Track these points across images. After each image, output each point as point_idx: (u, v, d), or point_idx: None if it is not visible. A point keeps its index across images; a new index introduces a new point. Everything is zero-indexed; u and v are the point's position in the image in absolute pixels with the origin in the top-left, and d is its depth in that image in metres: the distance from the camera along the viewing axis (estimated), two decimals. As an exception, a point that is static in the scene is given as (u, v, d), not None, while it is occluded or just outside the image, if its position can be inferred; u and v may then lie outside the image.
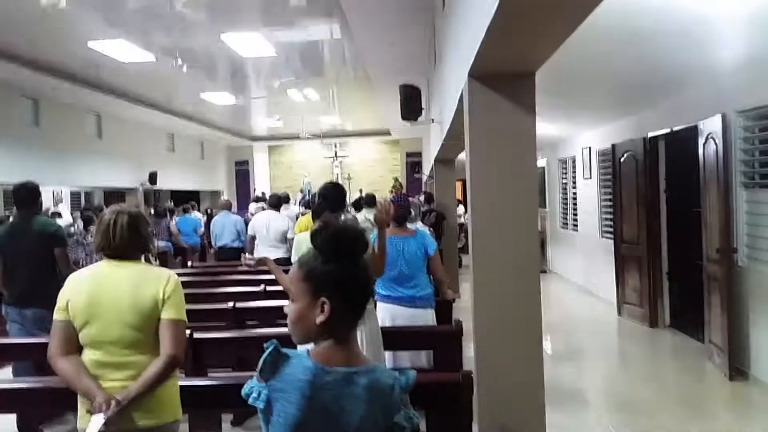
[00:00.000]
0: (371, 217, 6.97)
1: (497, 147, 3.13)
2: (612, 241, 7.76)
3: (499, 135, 3.13)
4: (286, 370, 1.31)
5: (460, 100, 3.64)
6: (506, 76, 3.06)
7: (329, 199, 3.39)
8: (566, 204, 10.77)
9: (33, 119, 11.34)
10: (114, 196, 14.82)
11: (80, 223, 7.21)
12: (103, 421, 2.01)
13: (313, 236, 1.37)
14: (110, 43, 8.75)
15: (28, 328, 4.14)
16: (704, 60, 4.88)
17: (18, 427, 3.77)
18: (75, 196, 14.31)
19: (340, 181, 20.36)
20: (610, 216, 8.01)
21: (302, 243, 3.44)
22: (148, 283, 2.23)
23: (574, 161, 10.01)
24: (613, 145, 7.59)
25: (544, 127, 8.69)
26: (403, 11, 6.78)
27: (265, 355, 1.32)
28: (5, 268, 4.24)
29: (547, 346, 6.44)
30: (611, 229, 7.93)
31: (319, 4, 7.61)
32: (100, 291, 2.19)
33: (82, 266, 2.40)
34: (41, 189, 4.47)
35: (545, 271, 11.40)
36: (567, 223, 10.68)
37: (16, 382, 3.54)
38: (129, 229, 2.27)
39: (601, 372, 5.77)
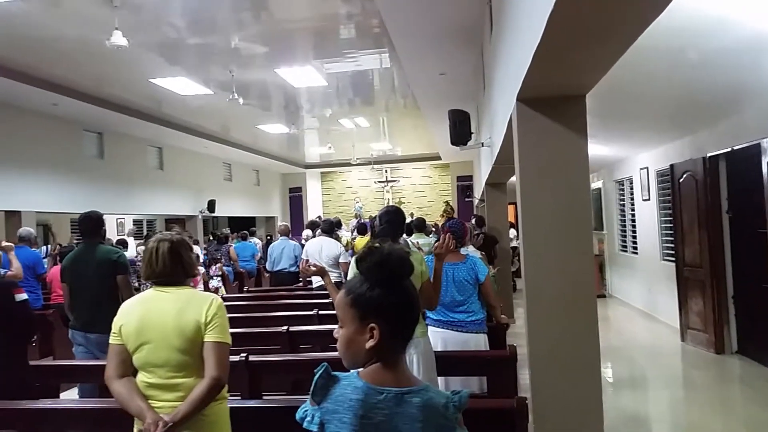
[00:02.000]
0: (421, 241, 7.00)
1: (548, 171, 3.09)
2: (673, 264, 7.49)
3: (549, 159, 3.10)
4: (337, 392, 1.33)
5: (509, 124, 3.63)
6: (555, 99, 3.05)
7: (393, 223, 3.43)
8: (625, 226, 10.48)
9: (98, 152, 11.95)
10: (175, 223, 15.39)
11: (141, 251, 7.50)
12: None
13: (359, 261, 1.40)
14: (170, 80, 9.19)
15: (93, 351, 4.31)
16: (763, 77, 4.71)
17: (85, 447, 3.93)
18: (137, 224, 14.94)
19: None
20: (671, 238, 7.74)
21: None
22: (192, 307, 2.30)
23: (631, 182, 9.76)
24: (672, 166, 7.38)
25: (599, 149, 8.54)
26: (452, 40, 6.85)
27: (316, 378, 1.35)
28: (71, 294, 4.44)
29: (607, 372, 6.23)
30: (672, 252, 7.66)
31: (369, 35, 7.79)
32: (148, 316, 2.29)
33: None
34: (105, 218, 4.69)
35: (604, 296, 11.08)
36: (626, 246, 10.38)
37: (82, 403, 3.69)
38: (171, 256, 2.36)
39: (664, 400, 5.54)
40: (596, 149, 8.43)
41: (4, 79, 8.01)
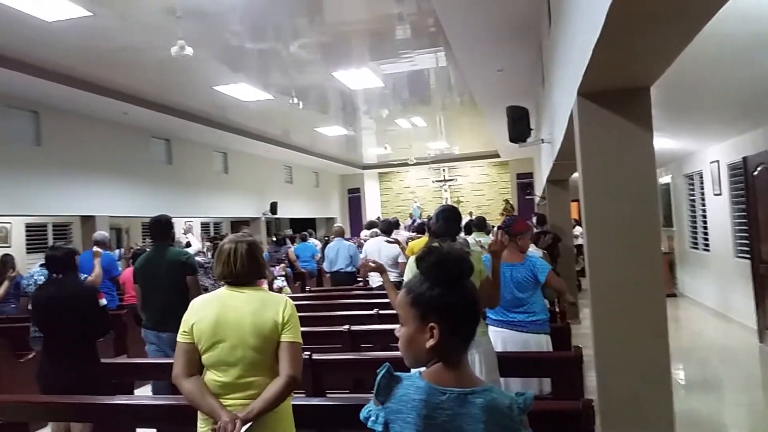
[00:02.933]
0: (482, 240, 6.92)
1: (612, 167, 3.00)
2: (749, 262, 7.12)
3: (613, 154, 3.00)
4: (400, 392, 1.34)
5: (570, 120, 3.55)
6: (618, 92, 2.95)
7: (449, 221, 3.41)
8: (695, 222, 10.03)
9: (166, 158, 12.45)
10: (239, 224, 15.85)
11: (208, 252, 7.74)
12: None
13: (419, 261, 1.40)
14: (233, 86, 9.47)
15: (165, 349, 4.48)
16: None
17: (158, 441, 4.10)
18: (204, 226, 15.48)
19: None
20: (745, 234, 7.36)
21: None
22: (268, 308, 2.33)
23: (701, 176, 9.33)
24: (744, 158, 7.02)
25: (666, 142, 8.21)
26: (509, 35, 6.74)
27: (378, 378, 1.36)
28: (143, 295, 4.64)
29: (679, 374, 5.99)
30: (747, 249, 7.28)
31: (425, 35, 7.78)
32: (224, 315, 2.31)
33: (210, 292, 2.57)
34: (174, 221, 4.87)
35: (675, 295, 10.65)
36: (697, 243, 9.93)
37: (155, 399, 3.85)
38: (248, 257, 2.40)
39: (741, 403, 5.27)
40: (663, 143, 8.11)
41: (78, 90, 8.46)
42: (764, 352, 6.58)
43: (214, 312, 2.33)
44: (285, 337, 2.31)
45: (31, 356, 5.05)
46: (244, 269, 2.39)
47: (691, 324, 8.67)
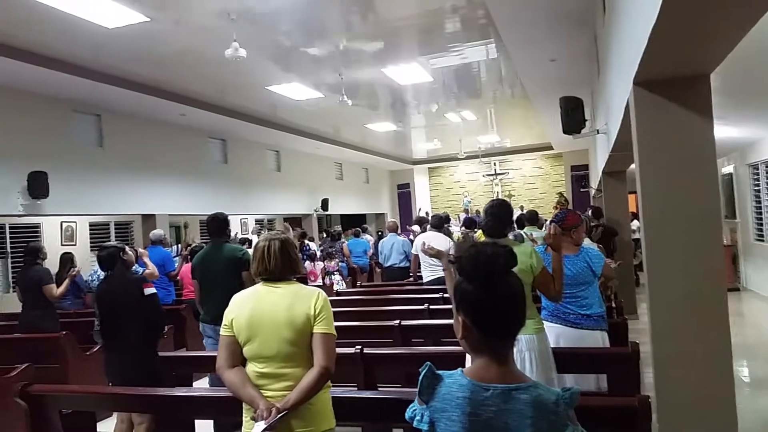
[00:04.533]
0: (534, 234, 6.82)
1: (670, 157, 2.92)
2: (820, 254, 6.75)
3: (671, 144, 2.92)
4: (443, 390, 1.36)
5: (627, 110, 3.46)
6: (676, 80, 2.86)
7: (498, 217, 3.37)
8: (761, 214, 9.57)
9: (222, 157, 12.78)
10: (292, 221, 16.14)
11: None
12: (264, 426, 2.20)
13: (457, 259, 1.44)
14: (285, 86, 9.63)
15: (221, 343, 4.61)
16: None
17: (215, 431, 4.23)
18: (259, 223, 15.85)
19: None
20: (817, 225, 6.98)
21: None
22: (301, 301, 2.42)
23: (766, 165, 8.90)
24: (816, 145, 6.65)
25: (728, 130, 7.87)
26: (562, 24, 6.60)
27: (421, 377, 1.38)
28: (201, 290, 4.79)
29: (743, 371, 5.75)
30: (819, 241, 6.91)
31: (474, 27, 7.69)
32: (260, 310, 2.42)
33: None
34: (230, 218, 5.01)
35: (738, 289, 10.21)
36: (763, 235, 9.49)
37: (212, 391, 3.97)
38: (281, 254, 2.50)
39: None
40: (725, 131, 7.77)
41: (137, 93, 8.79)
42: (837, 350, 6.24)
43: (251, 307, 2.44)
44: (317, 329, 2.38)
45: (96, 349, 5.29)
46: (277, 265, 2.48)
47: (755, 319, 8.29)
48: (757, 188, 9.63)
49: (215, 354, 4.39)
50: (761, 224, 9.53)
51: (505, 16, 6.30)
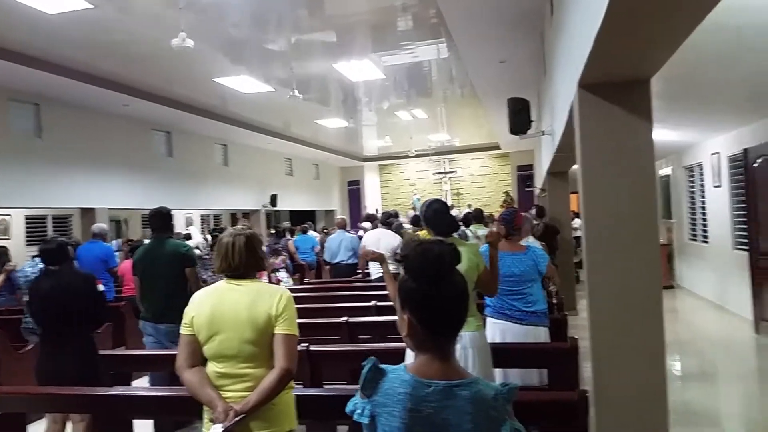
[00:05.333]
0: (480, 231, 6.94)
1: (611, 158, 3.00)
2: (747, 254, 7.12)
3: (612, 146, 3.01)
4: (386, 385, 1.36)
5: (571, 112, 3.54)
6: (618, 84, 2.95)
7: (440, 212, 3.39)
8: (695, 214, 10.03)
9: (167, 150, 12.44)
10: (243, 217, 15.89)
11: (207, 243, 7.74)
12: (221, 429, 2.14)
13: (404, 257, 1.45)
14: (234, 78, 9.45)
15: (162, 341, 4.49)
16: None
17: (155, 431, 4.13)
18: (204, 218, 15.51)
19: (449, 198, 20.33)
20: (744, 226, 7.36)
21: None
22: (263, 300, 2.34)
23: (701, 168, 9.33)
24: (745, 150, 7.00)
25: (666, 134, 8.19)
26: (511, 26, 6.71)
27: (364, 371, 1.38)
28: (142, 286, 4.65)
29: (676, 365, 6.01)
30: (745, 241, 7.29)
31: (427, 26, 7.75)
32: (221, 308, 2.34)
33: (209, 284, 2.58)
34: (174, 213, 4.87)
35: (673, 287, 10.66)
36: (696, 235, 9.94)
37: (152, 391, 3.87)
38: (246, 250, 2.41)
39: (736, 394, 5.30)
40: (663, 134, 8.09)
41: (78, 82, 8.45)
42: (760, 344, 6.59)
43: (212, 305, 2.36)
44: (279, 329, 2.31)
45: (29, 348, 5.07)
46: (242, 262, 2.40)
47: (688, 315, 8.68)
48: (692, 190, 10.08)
49: (155, 352, 4.33)
50: (695, 224, 9.98)
51: (456, 16, 6.36)
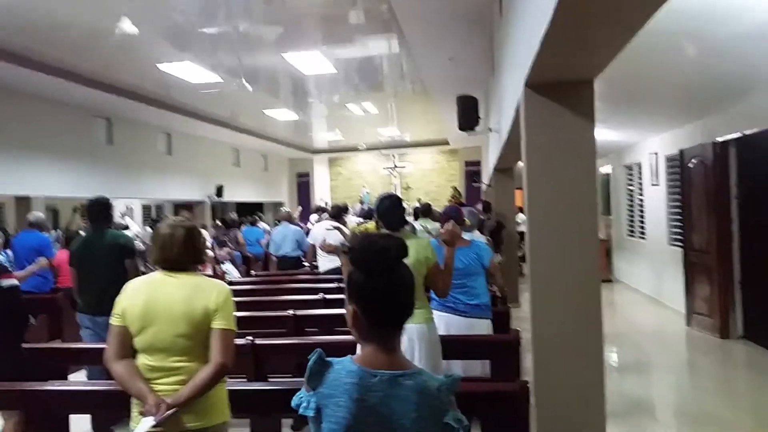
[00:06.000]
0: (428, 225, 7.00)
1: (555, 157, 3.10)
2: (681, 250, 7.47)
3: (556, 144, 3.10)
4: (332, 376, 1.37)
5: (517, 110, 3.62)
6: (563, 84, 3.04)
7: (393, 209, 3.40)
8: (633, 211, 10.44)
9: (107, 138, 11.99)
10: (183, 207, 15.47)
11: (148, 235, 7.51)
12: (153, 423, 2.12)
13: (350, 249, 1.47)
14: (178, 65, 9.18)
15: (100, 333, 4.35)
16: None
17: (92, 427, 4.00)
18: (146, 209, 15.05)
19: (398, 192, 20.44)
20: (679, 223, 7.72)
21: None
22: (200, 294, 2.31)
23: (640, 167, 9.71)
24: (681, 151, 7.33)
25: (608, 134, 8.48)
26: (461, 24, 6.79)
27: (310, 364, 1.39)
28: (79, 278, 4.49)
29: (613, 357, 6.25)
30: (680, 237, 7.64)
31: (378, 21, 7.73)
32: (155, 300, 2.29)
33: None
34: (114, 203, 4.72)
35: (611, 281, 11.07)
36: (633, 231, 10.35)
37: (90, 385, 3.74)
38: (185, 243, 2.36)
39: (669, 384, 5.56)
40: (605, 134, 8.37)
41: (15, 66, 8.03)
42: (691, 336, 6.94)
43: (146, 296, 2.31)
44: (216, 324, 2.29)
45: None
46: (180, 255, 2.36)
47: (625, 309, 9.04)
48: (630, 188, 10.48)
49: (93, 346, 4.19)
50: (633, 221, 10.39)
51: (407, 11, 6.38)
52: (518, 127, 3.52)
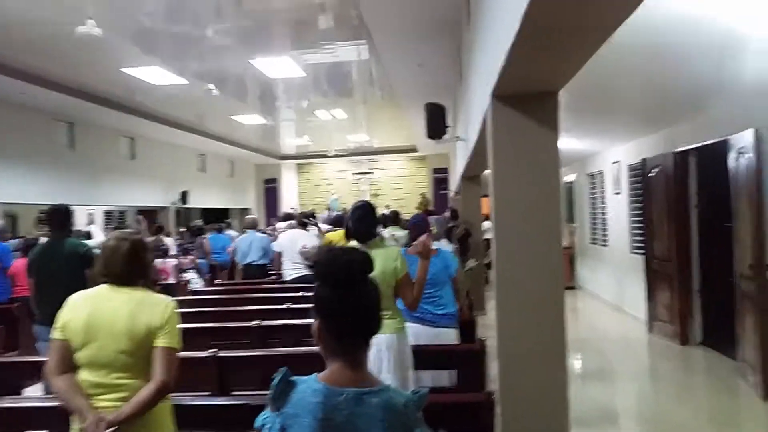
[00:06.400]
0: (396, 233, 7.00)
1: (520, 166, 3.14)
2: (642, 257, 7.63)
3: (521, 154, 3.14)
4: (297, 396, 1.34)
5: (484, 120, 3.65)
6: (529, 96, 3.08)
7: (365, 218, 3.39)
8: (596, 219, 10.62)
9: (69, 142, 11.69)
10: (146, 214, 15.15)
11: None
12: None
13: (315, 264, 1.45)
14: (143, 69, 9.01)
15: (59, 346, 4.21)
16: (735, 75, 4.80)
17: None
18: (108, 215, 14.69)
19: (367, 198, 20.42)
20: (641, 231, 7.88)
21: None
22: (145, 310, 2.27)
23: (603, 176, 9.89)
24: (643, 160, 7.49)
25: (572, 142, 8.62)
26: (430, 31, 6.83)
27: (274, 384, 1.36)
28: (37, 288, 4.35)
29: (576, 364, 6.33)
30: (641, 245, 7.80)
31: (348, 26, 7.73)
32: (99, 315, 2.24)
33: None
34: (75, 209, 4.59)
35: (574, 288, 11.24)
36: (596, 239, 10.53)
37: (46, 401, 3.61)
38: (130, 257, 2.33)
39: (631, 391, 5.65)
40: (569, 143, 8.51)
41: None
42: (652, 342, 7.08)
43: (88, 310, 2.26)
44: (159, 342, 2.25)
45: None
46: (124, 269, 2.32)
47: (588, 316, 9.18)
48: (593, 196, 10.67)
49: (51, 359, 4.04)
50: (596, 229, 10.57)
51: (376, 18, 6.40)
52: (485, 136, 3.55)
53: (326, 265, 1.40)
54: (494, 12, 2.89)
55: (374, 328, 1.42)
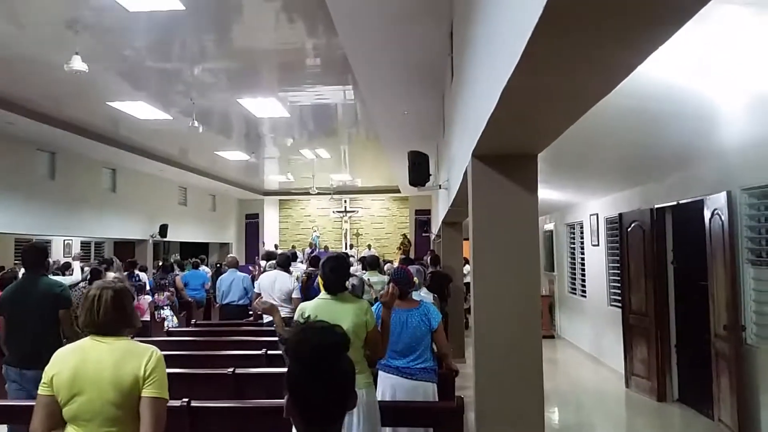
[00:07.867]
0: (373, 279, 6.99)
1: (499, 224, 3.22)
2: (620, 310, 7.67)
3: (501, 212, 3.21)
4: None
5: (465, 176, 3.72)
6: (509, 157, 3.16)
7: (337, 271, 3.40)
8: (575, 269, 10.70)
9: (49, 172, 11.59)
10: (124, 246, 14.98)
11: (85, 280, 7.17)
12: None
13: (285, 341, 1.45)
14: (129, 103, 9.04)
15: (28, 389, 4.08)
16: (710, 139, 4.96)
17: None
18: (85, 247, 14.47)
19: (347, 238, 20.36)
20: (618, 284, 7.95)
21: (304, 309, 3.43)
22: (130, 360, 2.23)
23: (582, 227, 10.01)
24: (620, 214, 7.61)
25: (551, 193, 8.76)
26: (415, 80, 6.98)
27: None
28: (8, 327, 4.24)
29: (554, 417, 6.29)
30: (619, 298, 7.86)
31: (334, 70, 7.86)
32: (84, 367, 2.20)
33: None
34: (52, 239, 4.51)
35: (554, 336, 11.23)
36: (575, 289, 10.59)
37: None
38: (113, 306, 2.30)
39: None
40: (548, 194, 8.64)
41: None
42: (629, 397, 7.07)
43: (74, 363, 2.22)
44: (146, 392, 2.20)
45: None
46: (107, 318, 2.28)
47: (566, 367, 9.16)
48: (572, 246, 10.77)
49: (19, 403, 3.91)
50: (575, 279, 10.65)
51: (362, 66, 6.53)
52: (466, 189, 3.62)
53: (295, 344, 1.39)
54: (477, 76, 2.97)
55: (345, 405, 1.40)
